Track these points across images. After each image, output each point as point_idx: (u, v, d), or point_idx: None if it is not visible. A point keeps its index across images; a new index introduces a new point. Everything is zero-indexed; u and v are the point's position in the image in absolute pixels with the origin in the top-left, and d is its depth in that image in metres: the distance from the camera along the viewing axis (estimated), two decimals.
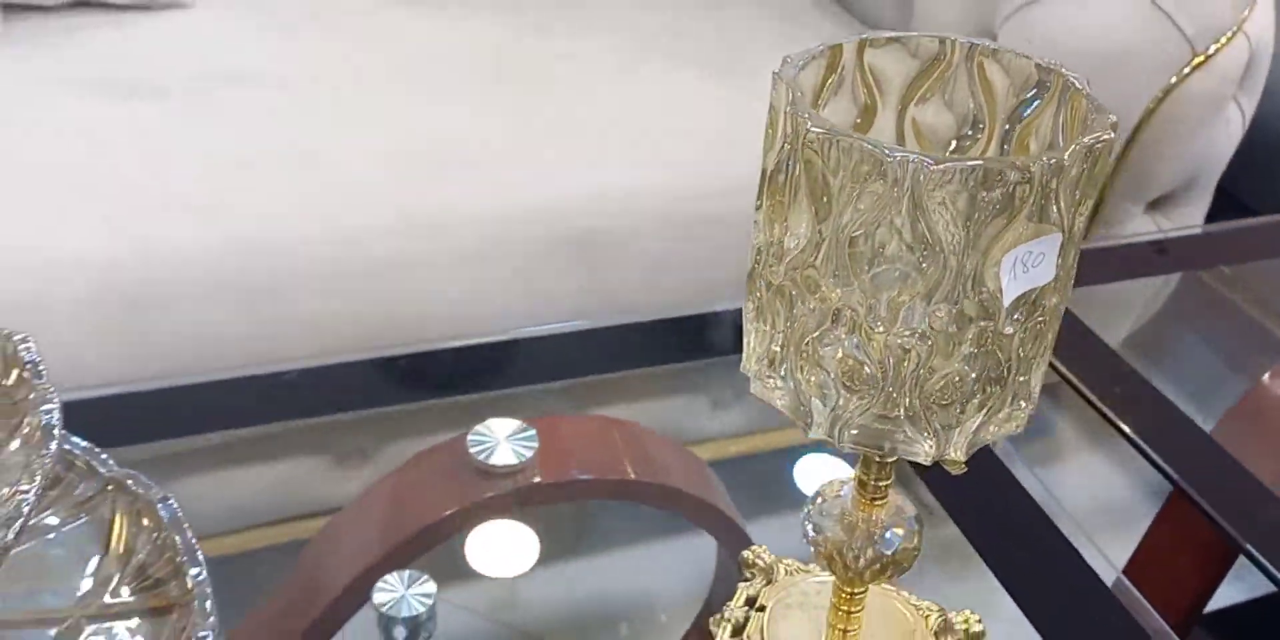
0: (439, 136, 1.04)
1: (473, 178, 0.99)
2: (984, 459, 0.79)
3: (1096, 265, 1.04)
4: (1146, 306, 1.32)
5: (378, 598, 0.61)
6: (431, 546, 0.68)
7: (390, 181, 0.97)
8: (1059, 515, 0.78)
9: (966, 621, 0.62)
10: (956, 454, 0.48)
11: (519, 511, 0.72)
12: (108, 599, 0.49)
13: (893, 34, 0.49)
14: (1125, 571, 0.82)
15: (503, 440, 0.71)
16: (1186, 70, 1.16)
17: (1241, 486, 0.86)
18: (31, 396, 0.42)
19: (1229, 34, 1.16)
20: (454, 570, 0.81)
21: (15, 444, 0.41)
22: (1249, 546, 0.80)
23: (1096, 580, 0.75)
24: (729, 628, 0.60)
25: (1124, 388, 0.94)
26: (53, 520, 0.51)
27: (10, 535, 0.36)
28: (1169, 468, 0.86)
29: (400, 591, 0.61)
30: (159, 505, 0.50)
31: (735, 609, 0.61)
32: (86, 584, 0.50)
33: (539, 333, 0.84)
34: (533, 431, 0.71)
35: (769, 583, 0.62)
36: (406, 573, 0.62)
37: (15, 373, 0.43)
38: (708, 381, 1.17)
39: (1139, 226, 1.27)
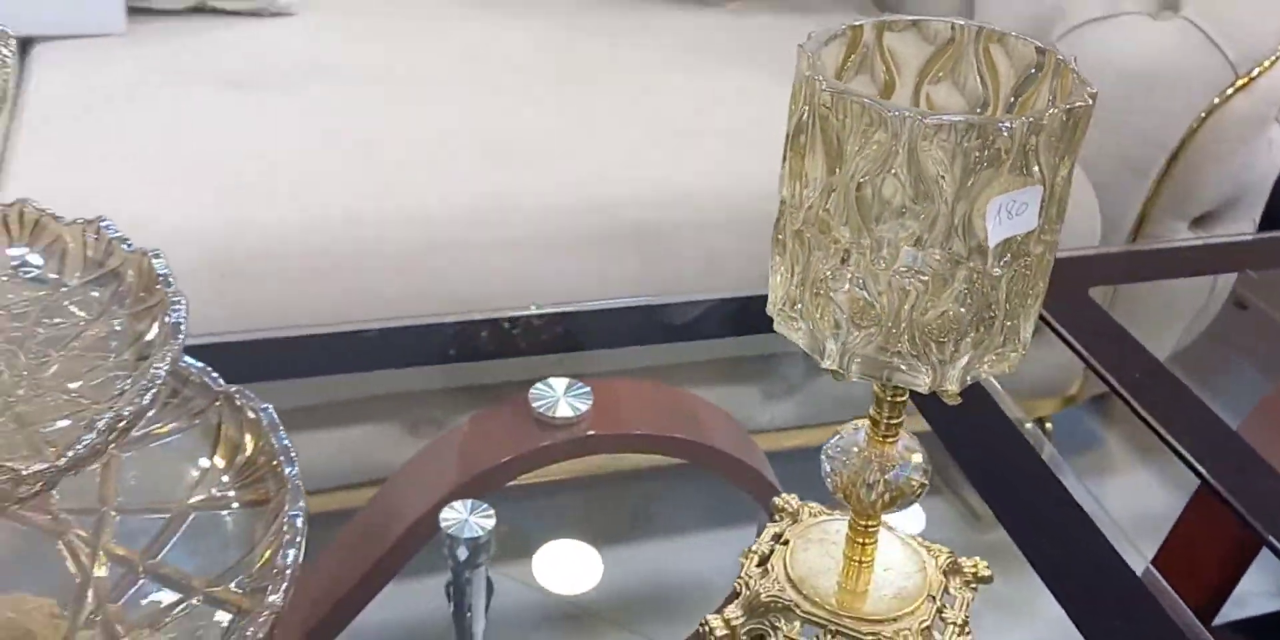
0: (508, 131, 1.12)
1: (536, 169, 1.08)
2: (1033, 467, 0.84)
3: (1131, 266, 1.09)
4: (1196, 320, 1.36)
5: (444, 521, 0.68)
6: (497, 486, 0.75)
7: (462, 170, 1.06)
8: (1095, 513, 0.83)
9: (975, 566, 0.68)
10: (952, 386, 0.54)
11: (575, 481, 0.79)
12: (214, 492, 0.57)
13: (910, 18, 0.57)
14: (1154, 562, 0.85)
15: (561, 396, 0.78)
16: (1229, 92, 1.21)
17: (1265, 481, 0.89)
18: (161, 302, 0.51)
19: (1271, 58, 1.21)
20: (514, 549, 0.87)
21: (152, 334, 0.49)
22: (1271, 538, 0.84)
23: (1128, 570, 0.79)
24: (755, 558, 0.67)
25: (1157, 387, 0.98)
26: (171, 426, 0.59)
27: (146, 400, 0.44)
28: (1195, 462, 0.90)
29: (464, 516, 0.68)
30: (260, 414, 0.58)
31: (762, 543, 0.68)
32: (195, 479, 0.58)
33: (595, 307, 0.92)
34: (588, 389, 0.78)
35: (795, 523, 0.69)
36: (470, 501, 0.69)
37: (149, 282, 0.51)
38: (762, 374, 1.23)
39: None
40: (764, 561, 0.66)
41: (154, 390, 0.45)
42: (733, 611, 0.64)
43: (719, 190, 1.11)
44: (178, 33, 1.25)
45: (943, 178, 0.49)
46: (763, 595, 0.63)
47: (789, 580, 0.64)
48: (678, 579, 1.20)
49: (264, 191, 1.01)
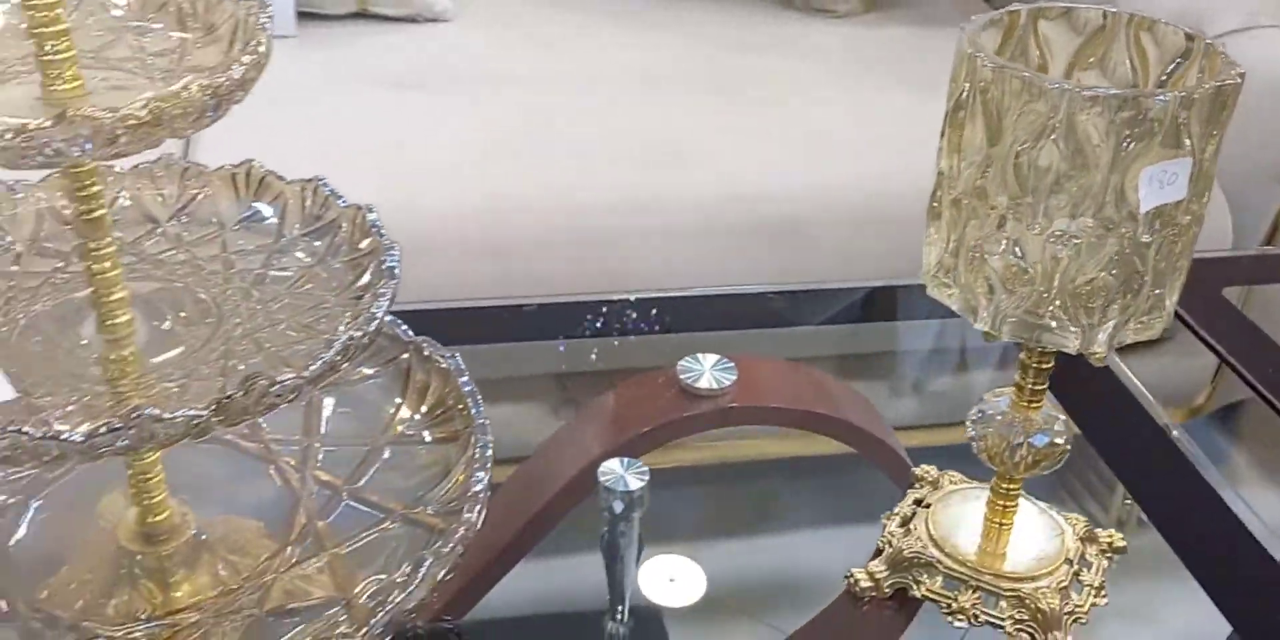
0: (659, 131, 1.18)
1: (686, 167, 1.14)
2: (1175, 463, 0.86)
3: (1265, 268, 1.10)
4: None
5: (602, 476, 0.73)
6: (644, 451, 0.79)
7: (615, 165, 1.12)
8: (1232, 502, 0.84)
9: (1111, 536, 0.70)
10: (1099, 349, 0.58)
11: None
12: (406, 430, 0.63)
13: (1064, 5, 0.60)
14: None
15: (707, 370, 0.82)
16: None
17: None
18: (375, 250, 0.56)
19: None
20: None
21: (367, 277, 0.55)
22: None
23: (1275, 564, 0.80)
24: (897, 520, 0.70)
25: None
26: (368, 371, 0.64)
27: (372, 327, 0.50)
28: None
29: (621, 472, 0.73)
30: (448, 361, 0.63)
31: (904, 506, 0.71)
32: (389, 417, 0.63)
33: (731, 291, 0.97)
34: (732, 365, 0.83)
35: (935, 490, 0.72)
36: (626, 459, 0.74)
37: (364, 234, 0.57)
38: (887, 372, 1.26)
39: None
40: (905, 523, 0.70)
41: (377, 320, 0.50)
42: (876, 566, 0.67)
43: (850, 189, 1.16)
44: (341, 36, 1.33)
45: (1098, 147, 0.52)
46: (905, 551, 0.67)
47: (931, 539, 0.67)
48: (801, 572, 1.23)
49: (424, 181, 1.08)
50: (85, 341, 0.52)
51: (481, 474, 0.56)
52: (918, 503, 0.71)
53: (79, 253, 0.50)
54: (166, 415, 0.43)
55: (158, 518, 0.56)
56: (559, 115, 1.21)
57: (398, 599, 0.50)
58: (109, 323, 0.51)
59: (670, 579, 0.71)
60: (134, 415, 0.42)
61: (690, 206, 1.11)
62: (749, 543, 1.16)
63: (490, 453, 0.58)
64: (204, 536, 0.58)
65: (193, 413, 0.43)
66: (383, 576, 0.53)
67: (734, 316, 0.98)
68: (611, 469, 0.73)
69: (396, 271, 0.54)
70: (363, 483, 0.60)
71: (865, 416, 0.86)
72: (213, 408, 0.44)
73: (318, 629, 0.51)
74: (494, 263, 1.06)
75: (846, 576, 0.68)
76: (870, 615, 0.67)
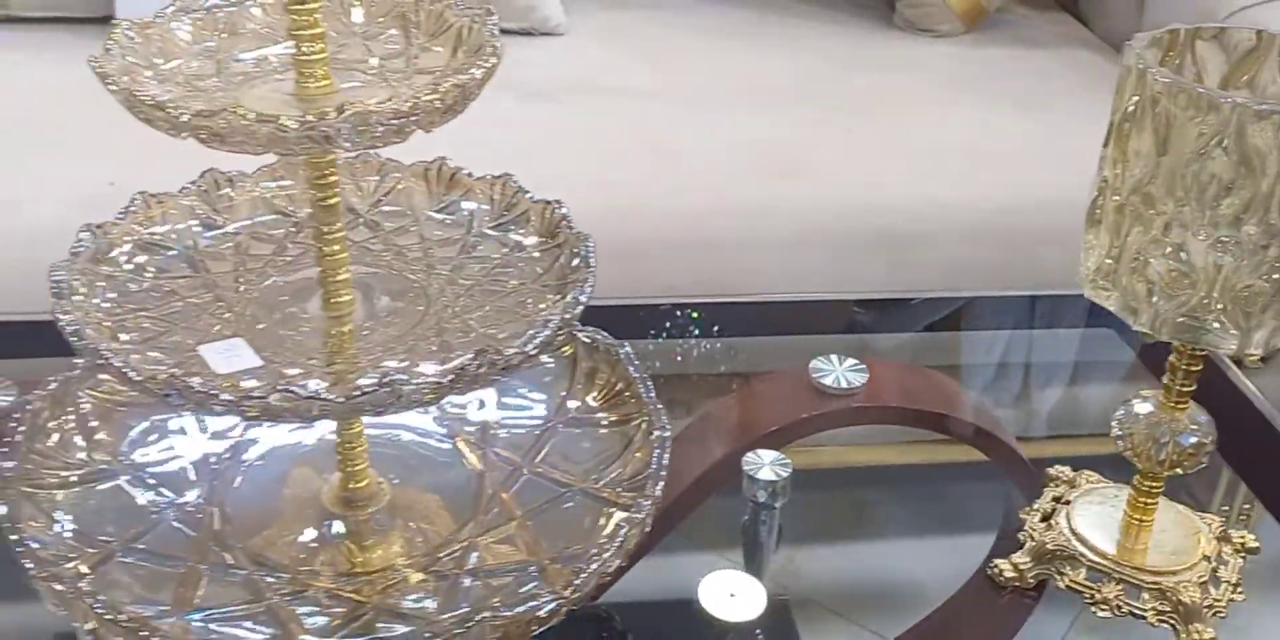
0: (770, 142, 1.22)
1: (799, 177, 1.17)
2: None
3: None
4: None
5: (746, 465, 0.76)
6: (778, 445, 0.82)
7: (730, 174, 1.16)
8: None
9: (1244, 537, 0.72)
10: (1256, 351, 0.60)
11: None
12: (579, 413, 0.66)
13: (1219, 25, 0.63)
14: None
15: (839, 370, 0.86)
16: None
17: None
18: (567, 241, 0.60)
19: None
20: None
21: (558, 267, 0.58)
22: None
23: None
24: (1038, 515, 0.73)
25: None
26: (542, 357, 0.68)
27: (576, 311, 0.53)
28: None
29: (764, 462, 0.76)
30: (618, 351, 0.67)
31: (1043, 503, 0.74)
32: (561, 401, 0.67)
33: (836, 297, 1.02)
34: (863, 366, 0.86)
35: (1072, 488, 0.75)
36: (771, 452, 0.77)
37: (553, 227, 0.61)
38: (990, 382, 1.28)
39: None
40: (1046, 518, 0.72)
41: (580, 306, 0.54)
42: (1020, 558, 0.70)
43: (958, 203, 1.18)
44: None
45: (1266, 158, 0.55)
46: (1049, 544, 0.69)
47: (1073, 533, 0.70)
48: (899, 579, 1.25)
49: (543, 187, 1.11)
50: (308, 317, 0.56)
51: (659, 452, 0.59)
52: (1056, 500, 0.74)
53: (312, 235, 0.54)
54: (414, 381, 0.46)
55: (359, 484, 0.60)
56: (671, 125, 1.24)
57: (595, 564, 0.53)
58: (333, 301, 0.55)
59: (731, 594, 0.74)
60: (385, 379, 0.46)
61: (801, 217, 1.15)
62: (843, 548, 1.18)
63: (669, 434, 0.61)
64: (397, 504, 0.61)
65: (434, 380, 0.47)
66: (578, 543, 0.57)
67: (839, 323, 1.01)
68: (756, 460, 0.77)
69: (592, 261, 0.58)
70: (539, 459, 0.64)
71: (990, 422, 0.89)
72: (451, 376, 0.47)
73: (520, 590, 0.54)
74: (611, 266, 1.09)
75: (991, 568, 0.71)
76: (983, 616, 0.70)
